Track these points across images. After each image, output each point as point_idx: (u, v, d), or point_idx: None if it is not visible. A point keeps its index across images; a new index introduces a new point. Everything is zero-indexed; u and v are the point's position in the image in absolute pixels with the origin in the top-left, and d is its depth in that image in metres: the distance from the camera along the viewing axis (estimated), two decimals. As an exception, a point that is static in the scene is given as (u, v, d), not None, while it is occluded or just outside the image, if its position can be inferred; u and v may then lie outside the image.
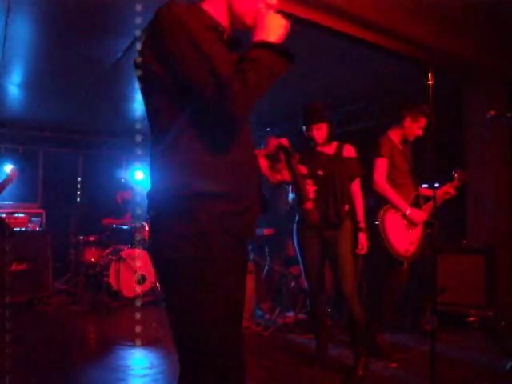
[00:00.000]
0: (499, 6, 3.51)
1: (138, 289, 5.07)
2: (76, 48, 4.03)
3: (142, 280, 5.10)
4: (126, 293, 4.98)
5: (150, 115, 1.25)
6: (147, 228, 5.60)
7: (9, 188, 4.30)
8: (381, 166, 3.12)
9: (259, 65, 1.10)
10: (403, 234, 3.08)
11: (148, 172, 1.28)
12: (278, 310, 4.12)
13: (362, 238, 2.83)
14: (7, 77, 4.71)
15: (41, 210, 5.63)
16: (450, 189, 3.29)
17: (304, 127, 2.91)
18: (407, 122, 3.18)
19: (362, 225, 2.87)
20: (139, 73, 1.22)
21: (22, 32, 3.74)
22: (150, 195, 1.24)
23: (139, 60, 1.20)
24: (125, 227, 5.81)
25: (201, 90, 1.10)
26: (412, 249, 3.07)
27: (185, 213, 1.14)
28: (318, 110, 2.86)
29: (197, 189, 1.15)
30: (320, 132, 2.84)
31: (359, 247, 2.80)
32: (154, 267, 1.26)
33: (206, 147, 1.18)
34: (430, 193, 3.15)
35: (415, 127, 3.18)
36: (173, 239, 1.15)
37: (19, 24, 3.57)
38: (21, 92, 5.25)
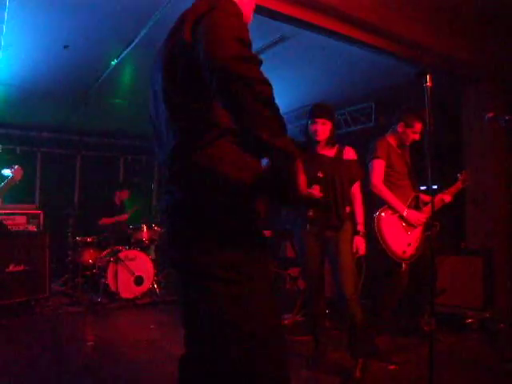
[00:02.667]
0: (498, 7, 3.52)
1: (136, 290, 5.07)
2: (75, 49, 4.03)
3: (140, 281, 5.10)
4: (124, 294, 4.98)
5: (192, 101, 1.20)
6: (145, 230, 5.59)
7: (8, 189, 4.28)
8: (377, 168, 3.11)
9: None
10: (401, 236, 3.08)
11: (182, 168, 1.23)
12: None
13: (359, 241, 2.81)
14: (5, 77, 4.70)
15: (39, 211, 5.60)
16: (446, 196, 3.29)
17: (310, 120, 2.89)
18: (401, 128, 3.19)
19: (361, 227, 2.85)
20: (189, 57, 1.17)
21: (20, 32, 3.74)
22: (196, 194, 1.20)
23: (190, 39, 1.16)
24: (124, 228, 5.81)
25: (214, 60, 1.05)
26: (410, 250, 3.07)
27: (241, 212, 1.18)
28: (328, 107, 2.94)
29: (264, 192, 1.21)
30: (324, 127, 2.85)
31: (354, 250, 2.79)
32: (199, 267, 1.21)
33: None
34: (427, 198, 3.16)
35: (410, 132, 3.18)
36: (234, 238, 1.17)
37: (18, 25, 3.56)
38: (19, 92, 5.24)
